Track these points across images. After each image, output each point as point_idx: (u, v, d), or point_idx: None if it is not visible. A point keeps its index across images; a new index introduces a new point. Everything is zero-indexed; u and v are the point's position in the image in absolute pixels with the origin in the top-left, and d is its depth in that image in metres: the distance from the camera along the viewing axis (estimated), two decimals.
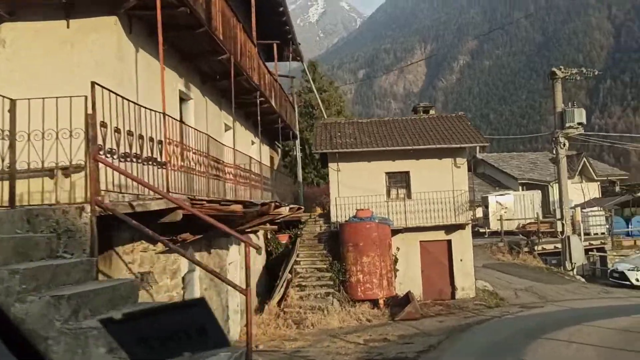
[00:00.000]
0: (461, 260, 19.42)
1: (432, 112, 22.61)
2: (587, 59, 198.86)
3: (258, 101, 13.84)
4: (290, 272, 16.64)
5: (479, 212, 34.69)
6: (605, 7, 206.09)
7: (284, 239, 18.09)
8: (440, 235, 19.48)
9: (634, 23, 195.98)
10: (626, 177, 47.87)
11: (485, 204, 33.90)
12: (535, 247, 27.06)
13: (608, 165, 56.49)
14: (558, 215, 25.73)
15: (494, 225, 31.73)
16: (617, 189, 41.04)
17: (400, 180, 19.52)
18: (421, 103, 25.74)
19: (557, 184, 35.89)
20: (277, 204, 12.36)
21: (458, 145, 18.97)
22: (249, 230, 13.55)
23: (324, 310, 15.39)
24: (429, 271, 19.41)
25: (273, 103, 16.47)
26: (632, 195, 31.80)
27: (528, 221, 30.38)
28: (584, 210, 30.81)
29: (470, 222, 19.54)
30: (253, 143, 18.47)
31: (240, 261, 15.49)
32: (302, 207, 17.82)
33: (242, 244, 15.35)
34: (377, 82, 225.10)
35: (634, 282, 22.61)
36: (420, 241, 19.44)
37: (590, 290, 21.23)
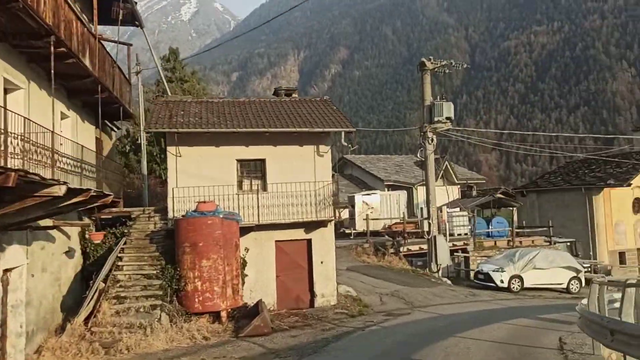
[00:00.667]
0: (322, 262, 16.71)
1: (295, 95, 19.81)
2: (446, 75, 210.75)
3: (52, 49, 10.04)
4: (105, 280, 12.83)
5: (345, 214, 32.75)
6: (463, 27, 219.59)
7: (97, 238, 14.16)
8: (299, 234, 16.64)
9: (487, 44, 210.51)
10: (483, 182, 48.77)
11: (351, 203, 31.93)
12: (401, 248, 25.29)
13: (467, 169, 57.64)
14: (425, 214, 24.07)
15: (360, 226, 29.79)
16: (474, 192, 41.29)
17: (254, 170, 16.41)
18: (283, 85, 22.84)
19: (421, 187, 35.14)
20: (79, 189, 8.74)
21: (321, 130, 16.22)
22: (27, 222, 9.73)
23: (147, 329, 11.82)
24: (285, 276, 16.46)
25: (88, 63, 12.65)
26: (493, 197, 31.46)
27: (394, 221, 28.71)
28: (449, 210, 29.80)
29: (333, 218, 16.87)
30: (66, 117, 14.43)
31: (37, 265, 11.52)
32: (114, 196, 13.97)
33: (34, 242, 11.49)
34: (250, 86, 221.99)
35: (499, 284, 21.41)
36: (276, 241, 16.45)
37: (457, 293, 19.57)
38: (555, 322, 13.66)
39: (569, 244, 30.55)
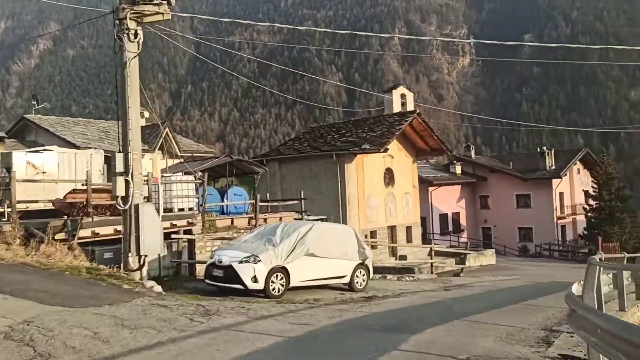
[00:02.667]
0: None
1: None
2: (171, 63, 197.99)
3: None
4: None
5: None
6: (189, 17, 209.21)
7: None
8: None
9: (212, 36, 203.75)
10: (212, 155, 39.13)
11: (5, 165, 18.78)
12: (77, 233, 13.63)
13: (194, 141, 47.10)
14: (120, 166, 12.73)
15: (22, 197, 17.05)
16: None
17: None
18: None
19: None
20: None
21: None
22: None
23: None
24: None
25: None
26: (231, 157, 21.89)
27: (71, 188, 16.69)
28: (165, 174, 19.19)
29: None
30: None
31: None
32: None
33: None
34: None
35: (250, 284, 11.62)
36: None
37: (168, 317, 8.99)
38: None
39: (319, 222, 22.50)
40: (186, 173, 19.35)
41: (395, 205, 29.08)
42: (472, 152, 48.15)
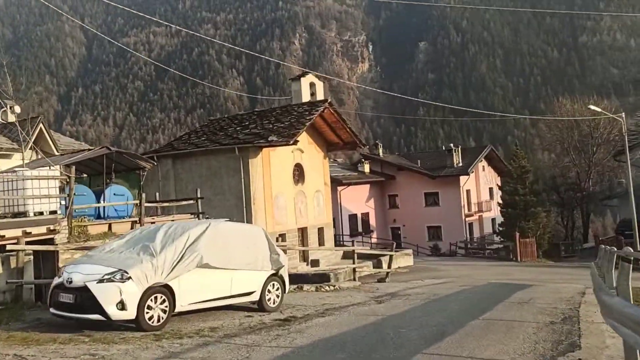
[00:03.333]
0: None
1: None
2: (59, 64, 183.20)
3: None
4: None
5: None
6: (79, 17, 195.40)
7: None
8: None
9: (105, 37, 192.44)
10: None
11: None
12: None
13: (75, 140, 41.29)
14: None
15: None
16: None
17: None
18: None
19: None
20: None
21: None
22: None
23: None
24: None
25: None
26: (109, 149, 17.65)
27: None
28: (17, 169, 14.81)
29: None
30: None
31: None
32: None
33: None
34: None
35: (115, 314, 7.86)
36: None
37: None
38: None
39: None
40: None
41: (306, 205, 25.96)
42: (380, 150, 46.29)
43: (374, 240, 42.74)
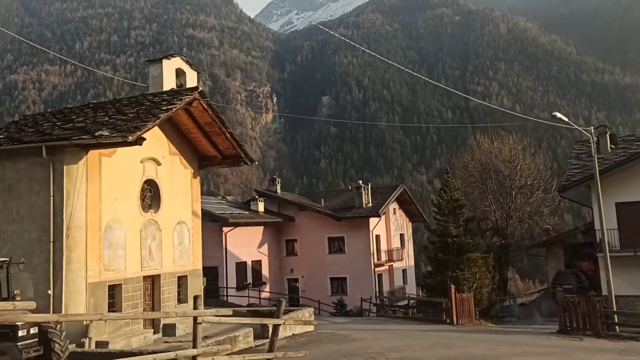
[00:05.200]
0: None
1: None
2: None
3: None
4: None
5: None
6: None
7: None
8: None
9: None
10: None
11: None
12: None
13: None
14: None
15: None
16: None
17: None
18: None
19: None
20: None
21: None
22: None
23: None
24: None
25: None
26: None
27: None
28: None
29: None
30: None
31: None
32: None
33: None
34: None
35: None
36: None
37: None
38: None
39: None
40: None
41: (159, 242, 17.04)
42: (278, 187, 38.17)
43: (265, 294, 34.00)
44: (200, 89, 17.04)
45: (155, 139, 17.03)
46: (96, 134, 14.01)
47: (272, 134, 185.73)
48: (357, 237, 35.19)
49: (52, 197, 14.17)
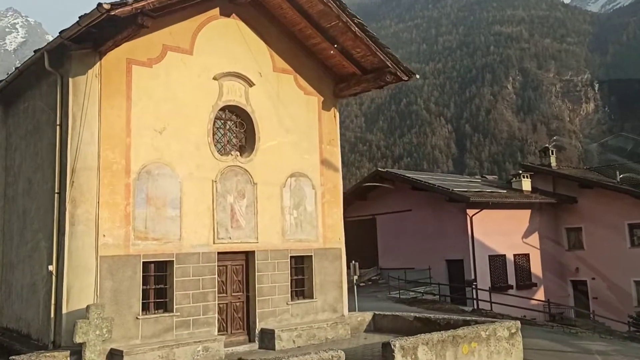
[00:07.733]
0: None
1: None
2: None
3: None
4: None
5: None
6: None
7: None
8: None
9: None
10: None
11: None
12: None
13: None
14: None
15: None
16: None
17: None
18: None
19: None
20: None
21: None
22: None
23: None
24: None
25: None
26: None
27: None
28: None
29: None
30: None
31: None
32: None
33: None
34: None
35: None
36: None
37: None
38: None
39: None
40: None
41: (253, 202, 10.55)
42: (552, 159, 26.77)
43: (536, 300, 23.60)
44: None
45: (246, 45, 10.67)
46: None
47: (594, 125, 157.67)
48: None
49: (58, 127, 9.30)
